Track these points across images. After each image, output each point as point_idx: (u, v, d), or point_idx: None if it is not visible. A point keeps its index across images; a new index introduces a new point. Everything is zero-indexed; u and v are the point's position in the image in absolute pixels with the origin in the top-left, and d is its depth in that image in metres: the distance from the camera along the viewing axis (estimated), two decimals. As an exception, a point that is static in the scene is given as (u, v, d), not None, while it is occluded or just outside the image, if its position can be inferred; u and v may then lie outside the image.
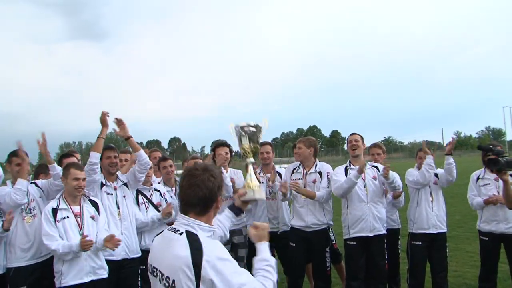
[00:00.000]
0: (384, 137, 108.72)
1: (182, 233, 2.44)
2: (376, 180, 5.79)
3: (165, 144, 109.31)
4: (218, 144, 6.39)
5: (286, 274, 6.36)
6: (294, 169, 6.08)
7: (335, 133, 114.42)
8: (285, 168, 6.51)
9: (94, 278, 4.46)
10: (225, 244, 5.62)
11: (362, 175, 5.70)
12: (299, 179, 5.95)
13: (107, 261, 4.75)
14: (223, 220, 3.06)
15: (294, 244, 5.93)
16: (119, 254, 4.93)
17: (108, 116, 4.93)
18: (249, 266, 6.30)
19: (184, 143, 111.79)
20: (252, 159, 3.31)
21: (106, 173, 5.16)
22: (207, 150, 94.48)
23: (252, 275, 2.55)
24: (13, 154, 4.81)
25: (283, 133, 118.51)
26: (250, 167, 3.20)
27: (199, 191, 2.49)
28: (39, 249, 4.71)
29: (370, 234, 5.65)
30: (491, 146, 5.12)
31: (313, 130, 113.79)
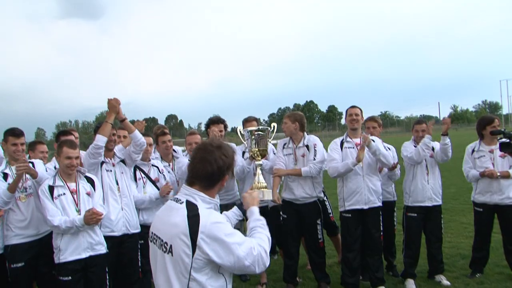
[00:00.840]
0: (381, 112, 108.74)
1: (182, 202, 2.56)
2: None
3: (162, 121, 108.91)
4: (212, 121, 6.43)
5: (279, 248, 6.55)
6: (285, 144, 6.13)
7: (331, 108, 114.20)
8: (276, 143, 6.56)
9: (92, 253, 4.55)
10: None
11: (359, 147, 5.78)
12: (289, 154, 6.03)
13: (109, 237, 4.84)
14: (230, 216, 3.11)
15: (285, 216, 6.08)
16: (119, 230, 5.03)
17: (119, 104, 4.95)
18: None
19: (181, 120, 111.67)
20: (260, 162, 3.42)
21: (105, 149, 5.15)
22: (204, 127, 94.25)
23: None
24: (9, 133, 4.80)
25: (279, 108, 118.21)
26: (258, 169, 3.29)
27: (209, 166, 2.58)
28: (36, 227, 4.77)
29: (365, 207, 5.75)
30: (503, 130, 5.35)
31: (310, 105, 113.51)
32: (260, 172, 3.32)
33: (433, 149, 6.07)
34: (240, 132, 4.13)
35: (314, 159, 5.86)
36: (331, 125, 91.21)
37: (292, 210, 6.00)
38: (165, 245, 2.49)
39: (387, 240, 6.25)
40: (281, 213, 6.14)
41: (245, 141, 4.02)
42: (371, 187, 5.76)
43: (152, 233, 2.66)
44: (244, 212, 3.07)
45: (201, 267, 2.45)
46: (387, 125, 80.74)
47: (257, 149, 3.40)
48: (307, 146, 5.97)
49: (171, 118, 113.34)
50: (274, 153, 6.37)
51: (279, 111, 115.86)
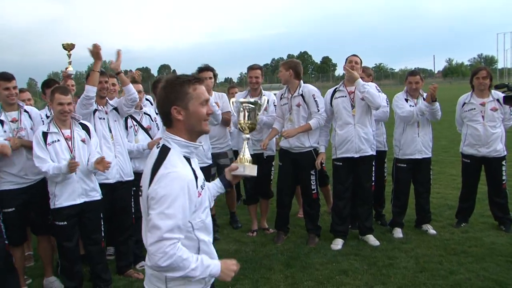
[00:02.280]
0: (375, 64, 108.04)
1: (159, 146, 2.45)
2: (364, 101, 5.77)
3: (154, 72, 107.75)
4: (201, 69, 6.37)
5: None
6: (282, 95, 6.11)
7: (326, 59, 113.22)
8: (275, 94, 6.54)
9: (86, 199, 4.63)
10: (211, 166, 5.74)
11: (352, 96, 5.81)
12: (285, 104, 6.02)
13: (103, 185, 4.91)
14: (211, 188, 2.94)
15: (281, 163, 6.17)
16: (113, 177, 5.08)
17: (100, 49, 4.86)
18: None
19: (174, 70, 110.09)
20: (247, 135, 3.23)
21: (97, 97, 5.15)
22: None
23: None
24: (1, 77, 4.70)
25: (273, 59, 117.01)
26: (245, 143, 3.13)
27: (158, 105, 2.51)
28: (26, 175, 4.77)
29: (356, 155, 5.80)
30: (507, 84, 5.34)
31: (304, 56, 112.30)
32: (246, 145, 3.17)
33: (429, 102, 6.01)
34: (232, 102, 4.02)
35: (318, 111, 5.84)
36: (325, 76, 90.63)
37: (288, 158, 6.06)
38: (140, 187, 2.44)
39: (377, 190, 6.36)
40: (278, 162, 6.22)
41: (235, 112, 3.92)
42: (363, 136, 5.78)
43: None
44: (226, 185, 2.99)
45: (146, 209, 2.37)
46: (381, 77, 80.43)
47: (248, 122, 3.23)
48: (302, 96, 5.93)
49: (164, 68, 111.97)
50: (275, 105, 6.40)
51: (272, 61, 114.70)
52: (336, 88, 6.01)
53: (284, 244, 6.08)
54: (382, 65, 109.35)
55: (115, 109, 5.29)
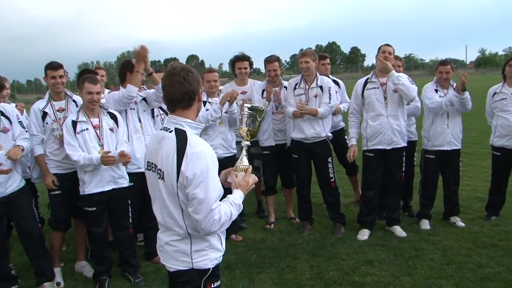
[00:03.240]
0: (405, 54, 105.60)
1: (172, 131, 2.64)
2: (397, 93, 5.74)
3: (183, 62, 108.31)
4: (237, 58, 6.42)
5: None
6: (296, 84, 6.08)
7: (354, 50, 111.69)
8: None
9: (115, 186, 4.75)
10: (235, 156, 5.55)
11: (384, 87, 5.75)
12: (301, 94, 6.00)
13: (135, 173, 5.01)
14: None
15: (296, 156, 6.15)
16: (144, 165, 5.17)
17: (148, 52, 4.89)
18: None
19: (202, 61, 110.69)
20: (247, 142, 3.09)
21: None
22: (225, 67, 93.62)
23: None
24: (48, 66, 4.85)
25: (301, 49, 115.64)
26: (243, 151, 3.02)
27: (181, 86, 2.64)
28: (70, 162, 4.81)
29: (388, 147, 5.76)
30: None
31: (332, 47, 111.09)
32: (245, 153, 3.01)
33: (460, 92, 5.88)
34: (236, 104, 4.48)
35: (329, 103, 5.90)
36: (354, 67, 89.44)
37: (303, 150, 6.07)
38: (159, 171, 2.62)
39: (406, 181, 6.31)
40: (292, 154, 6.21)
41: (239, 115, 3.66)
42: (395, 127, 5.72)
43: (147, 162, 2.78)
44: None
45: (183, 192, 2.55)
46: (411, 68, 78.93)
47: (246, 129, 3.09)
48: (320, 87, 5.95)
49: (192, 58, 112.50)
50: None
51: (300, 51, 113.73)
52: (367, 78, 5.92)
53: (310, 233, 6.10)
54: (412, 55, 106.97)
55: (144, 99, 5.35)
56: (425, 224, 6.12)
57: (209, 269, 2.69)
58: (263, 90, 6.38)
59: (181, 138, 2.57)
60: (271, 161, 6.47)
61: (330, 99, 5.90)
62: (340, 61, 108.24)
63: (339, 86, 6.73)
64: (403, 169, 6.02)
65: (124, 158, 4.52)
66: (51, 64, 4.86)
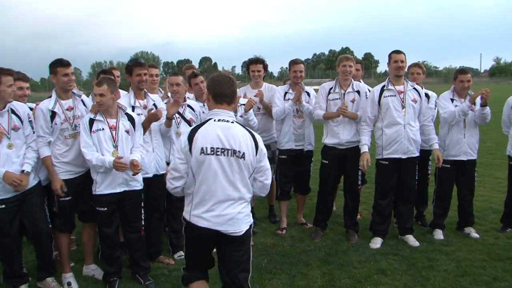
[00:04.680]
0: (418, 61, 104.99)
1: (233, 122, 3.41)
2: (416, 103, 5.71)
3: (196, 64, 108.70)
4: (251, 61, 6.42)
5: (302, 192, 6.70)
6: (331, 89, 6.02)
7: (368, 56, 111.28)
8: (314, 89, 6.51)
9: (126, 189, 4.68)
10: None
11: (402, 95, 5.69)
12: (337, 99, 5.96)
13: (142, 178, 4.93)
14: None
15: (327, 161, 6.09)
16: (151, 171, 5.15)
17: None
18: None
19: (215, 63, 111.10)
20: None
21: (136, 90, 5.18)
22: (238, 70, 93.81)
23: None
24: (58, 64, 4.73)
25: (314, 54, 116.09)
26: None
27: (231, 86, 3.46)
28: (82, 164, 4.80)
29: (403, 156, 5.70)
30: None
31: (346, 52, 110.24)
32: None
33: (474, 103, 5.85)
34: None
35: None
36: (367, 73, 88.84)
37: (334, 155, 6.02)
38: (238, 153, 3.31)
39: (419, 190, 6.23)
40: (322, 159, 6.16)
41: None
42: (411, 137, 5.67)
43: (211, 148, 3.29)
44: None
45: (255, 166, 3.43)
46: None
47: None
48: (358, 92, 5.95)
49: (205, 60, 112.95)
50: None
51: (314, 56, 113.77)
52: (383, 86, 5.84)
53: (322, 240, 6.05)
54: (425, 62, 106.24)
55: (155, 105, 5.27)
56: (439, 234, 6.05)
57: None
58: (285, 93, 6.32)
59: (243, 126, 3.46)
60: (288, 165, 6.42)
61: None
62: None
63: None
64: (416, 177, 5.96)
65: (134, 169, 4.49)
66: (62, 61, 4.75)
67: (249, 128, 3.48)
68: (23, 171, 4.44)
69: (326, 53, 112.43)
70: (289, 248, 5.80)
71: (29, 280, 4.80)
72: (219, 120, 3.35)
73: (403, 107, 5.67)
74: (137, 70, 5.09)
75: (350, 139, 5.93)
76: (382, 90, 5.81)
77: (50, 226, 4.80)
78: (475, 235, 6.01)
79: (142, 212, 4.95)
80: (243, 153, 3.30)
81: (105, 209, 4.64)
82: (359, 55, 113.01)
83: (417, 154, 5.80)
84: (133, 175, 4.60)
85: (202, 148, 3.27)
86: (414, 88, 5.81)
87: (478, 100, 5.83)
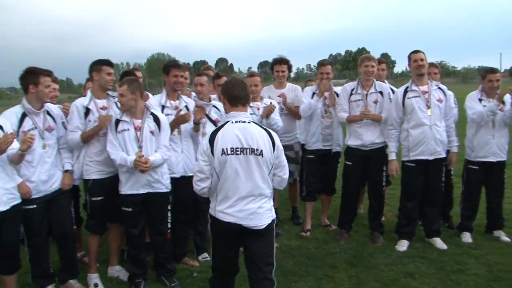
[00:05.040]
0: (436, 61, 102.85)
1: (250, 122, 3.61)
2: (441, 103, 5.59)
3: (212, 65, 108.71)
4: (276, 61, 6.37)
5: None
6: (352, 90, 5.93)
7: (384, 56, 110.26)
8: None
9: (150, 190, 4.63)
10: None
11: (426, 96, 5.58)
12: (359, 100, 5.87)
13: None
14: None
15: (350, 163, 6.00)
16: (179, 171, 5.12)
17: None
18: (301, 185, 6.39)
19: (231, 64, 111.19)
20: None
21: (170, 90, 5.18)
22: (254, 70, 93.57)
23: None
24: (106, 63, 4.80)
25: (330, 54, 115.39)
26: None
27: (244, 88, 3.70)
28: (114, 164, 4.73)
29: (430, 158, 5.59)
30: None
31: (362, 52, 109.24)
32: None
33: (503, 102, 5.69)
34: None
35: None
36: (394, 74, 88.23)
37: (358, 157, 5.93)
38: (256, 151, 3.51)
39: (445, 191, 6.09)
40: (345, 161, 6.07)
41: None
42: (438, 137, 5.56)
43: (230, 148, 3.50)
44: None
45: (273, 163, 3.63)
46: (442, 75, 77.03)
47: None
48: (380, 92, 5.86)
49: (221, 61, 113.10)
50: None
51: (330, 57, 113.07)
52: (406, 87, 5.74)
53: (347, 242, 5.97)
54: (443, 62, 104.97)
55: (187, 107, 5.27)
56: (467, 237, 5.91)
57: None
58: (313, 93, 6.20)
59: (259, 125, 3.70)
60: (315, 166, 6.34)
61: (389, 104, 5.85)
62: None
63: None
64: (443, 179, 5.85)
65: (140, 164, 4.45)
66: (108, 60, 4.82)
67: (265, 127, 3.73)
68: (67, 171, 4.70)
69: (343, 53, 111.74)
70: (314, 250, 5.74)
71: (55, 281, 4.81)
72: (236, 122, 3.58)
73: (428, 107, 5.56)
74: (174, 71, 5.12)
75: (374, 140, 5.84)
76: (405, 91, 5.70)
77: (75, 227, 4.88)
78: (505, 238, 5.85)
79: (169, 215, 4.92)
80: (261, 151, 3.51)
81: (130, 209, 4.64)
82: (376, 56, 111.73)
83: (444, 155, 5.68)
84: (140, 171, 4.50)
85: (223, 149, 3.50)
86: (439, 88, 5.71)
87: (508, 99, 5.70)
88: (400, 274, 4.97)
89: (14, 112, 4.42)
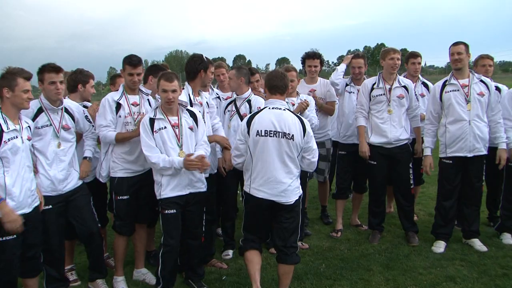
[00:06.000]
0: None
1: (285, 109, 4.05)
2: (482, 97, 5.29)
3: (230, 62, 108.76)
4: (308, 55, 6.13)
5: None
6: (374, 84, 5.67)
7: (403, 51, 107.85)
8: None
9: (192, 190, 4.40)
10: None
11: (466, 90, 5.29)
12: (381, 94, 5.61)
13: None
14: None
15: (375, 163, 5.72)
16: (206, 171, 4.74)
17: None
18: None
19: (249, 60, 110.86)
20: None
21: (202, 86, 4.99)
22: (272, 67, 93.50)
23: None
24: (128, 61, 4.54)
25: (349, 50, 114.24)
26: None
27: (285, 80, 4.18)
28: (143, 164, 4.63)
29: (469, 155, 5.30)
30: None
31: (381, 48, 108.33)
32: None
33: None
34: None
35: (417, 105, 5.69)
36: (401, 68, 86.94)
37: (383, 155, 5.66)
38: (288, 135, 3.95)
39: (491, 190, 5.88)
40: (369, 160, 5.76)
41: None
42: (478, 133, 5.26)
43: (266, 131, 3.98)
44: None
45: (303, 147, 4.05)
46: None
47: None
48: (405, 87, 5.59)
49: (239, 58, 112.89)
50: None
51: (348, 53, 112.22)
52: (445, 80, 5.46)
53: (381, 243, 5.72)
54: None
55: (218, 97, 5.24)
56: (508, 239, 5.61)
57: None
58: (346, 85, 6.10)
59: (295, 115, 4.08)
60: (346, 162, 6.12)
61: (417, 100, 5.73)
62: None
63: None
64: (483, 178, 5.54)
65: (204, 164, 4.24)
66: (131, 59, 4.55)
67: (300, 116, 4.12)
68: (85, 157, 4.64)
69: (361, 49, 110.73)
70: (347, 252, 5.50)
71: (69, 286, 4.68)
72: (273, 108, 4.05)
73: (468, 101, 5.27)
74: (212, 68, 4.95)
75: (399, 136, 5.58)
76: (444, 85, 5.43)
77: (99, 225, 4.72)
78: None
79: (204, 217, 4.71)
80: (292, 135, 3.95)
81: (174, 211, 4.30)
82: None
83: (485, 152, 5.37)
84: (201, 172, 4.34)
85: (257, 131, 3.99)
86: (482, 81, 5.39)
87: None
88: (440, 278, 4.71)
89: (31, 106, 4.18)
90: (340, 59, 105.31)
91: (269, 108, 4.08)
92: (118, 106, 4.57)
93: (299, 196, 4.13)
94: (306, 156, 4.09)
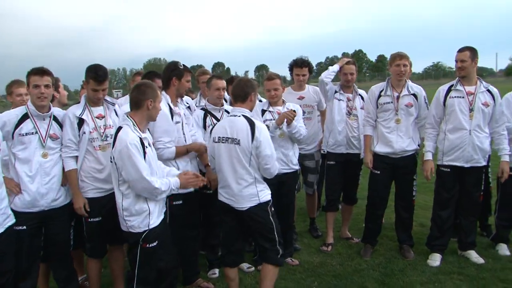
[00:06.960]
0: (433, 62, 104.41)
1: (239, 116, 4.05)
2: (487, 108, 5.07)
3: (208, 69, 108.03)
4: (296, 64, 5.77)
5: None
6: (381, 91, 5.39)
7: (381, 58, 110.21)
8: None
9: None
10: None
11: (471, 98, 5.07)
12: (388, 102, 5.33)
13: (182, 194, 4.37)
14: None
15: (378, 172, 5.45)
16: None
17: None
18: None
19: (228, 68, 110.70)
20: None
21: (178, 95, 4.62)
22: (251, 75, 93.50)
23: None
24: (92, 74, 4.12)
25: (327, 57, 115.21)
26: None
27: (246, 89, 4.17)
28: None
29: (466, 165, 5.08)
30: None
31: (359, 55, 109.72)
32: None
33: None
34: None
35: (423, 115, 5.37)
36: (380, 75, 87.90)
37: (387, 165, 5.38)
38: (235, 140, 3.96)
39: (483, 201, 5.60)
40: (372, 169, 5.49)
41: None
42: (477, 144, 5.04)
43: (217, 137, 4.07)
44: None
45: (255, 152, 3.98)
46: (439, 76, 77.36)
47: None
48: (414, 95, 5.32)
49: (218, 65, 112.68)
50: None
51: (327, 60, 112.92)
52: (451, 85, 5.22)
53: (374, 257, 5.45)
54: (440, 63, 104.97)
55: (189, 107, 4.86)
56: (504, 249, 5.41)
57: (270, 200, 4.13)
58: (335, 92, 5.77)
59: (249, 119, 4.03)
60: (336, 172, 5.80)
61: (427, 109, 5.36)
62: (366, 69, 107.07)
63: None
64: (482, 188, 5.34)
65: (193, 179, 4.01)
66: (97, 76, 4.11)
67: (256, 121, 4.06)
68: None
69: (339, 56, 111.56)
70: (339, 268, 5.21)
71: None
72: (231, 115, 4.17)
73: (471, 110, 5.05)
74: (188, 77, 4.67)
75: (405, 147, 5.31)
76: (449, 90, 5.20)
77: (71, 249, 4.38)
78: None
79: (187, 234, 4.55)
80: (239, 140, 3.96)
81: (157, 242, 3.80)
82: (373, 58, 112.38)
83: (484, 163, 5.17)
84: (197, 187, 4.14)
85: (213, 138, 4.14)
86: (488, 90, 5.16)
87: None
88: (439, 295, 4.46)
89: (15, 112, 3.93)
90: (319, 65, 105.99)
91: (227, 116, 4.32)
92: (81, 121, 4.14)
93: (258, 203, 4.04)
94: (261, 161, 4.01)
